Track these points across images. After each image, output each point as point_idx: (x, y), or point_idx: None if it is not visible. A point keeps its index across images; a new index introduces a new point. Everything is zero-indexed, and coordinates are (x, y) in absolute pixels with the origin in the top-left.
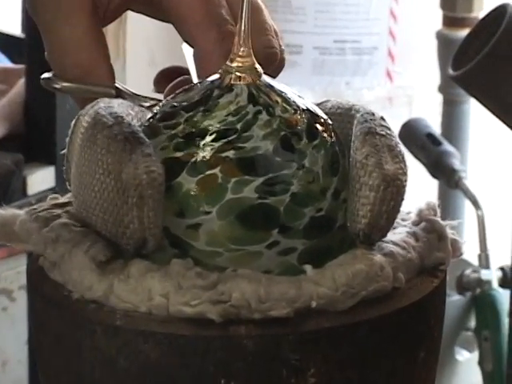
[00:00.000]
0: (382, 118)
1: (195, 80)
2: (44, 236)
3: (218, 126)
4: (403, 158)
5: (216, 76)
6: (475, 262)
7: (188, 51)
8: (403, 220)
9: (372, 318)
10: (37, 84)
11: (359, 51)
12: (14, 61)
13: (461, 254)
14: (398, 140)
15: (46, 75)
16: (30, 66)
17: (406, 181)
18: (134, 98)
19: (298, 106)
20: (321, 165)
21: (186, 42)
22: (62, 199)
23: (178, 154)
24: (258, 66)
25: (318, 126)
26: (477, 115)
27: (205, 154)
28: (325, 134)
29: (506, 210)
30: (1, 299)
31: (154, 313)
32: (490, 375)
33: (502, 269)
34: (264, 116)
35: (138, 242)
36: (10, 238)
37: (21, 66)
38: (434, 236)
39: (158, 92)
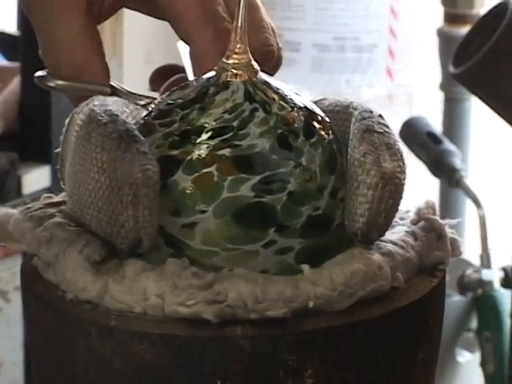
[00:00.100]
0: (381, 116)
1: (191, 78)
2: (38, 235)
3: (214, 123)
4: (402, 155)
5: (212, 73)
6: (476, 262)
7: (184, 49)
8: (402, 219)
9: (370, 318)
10: (32, 82)
11: (359, 49)
12: (9, 59)
13: (460, 254)
14: (396, 138)
15: (40, 73)
16: (25, 64)
17: (404, 179)
18: (130, 96)
19: (295, 104)
20: (318, 163)
21: (182, 39)
22: (57, 198)
23: (174, 152)
24: (254, 63)
25: (315, 123)
26: (478, 113)
27: (201, 152)
28: (322, 132)
29: (508, 209)
30: None
31: (149, 313)
32: (492, 377)
33: (503, 269)
34: (260, 113)
35: (133, 241)
36: (4, 238)
37: (16, 64)
38: (432, 235)
39: (154, 90)
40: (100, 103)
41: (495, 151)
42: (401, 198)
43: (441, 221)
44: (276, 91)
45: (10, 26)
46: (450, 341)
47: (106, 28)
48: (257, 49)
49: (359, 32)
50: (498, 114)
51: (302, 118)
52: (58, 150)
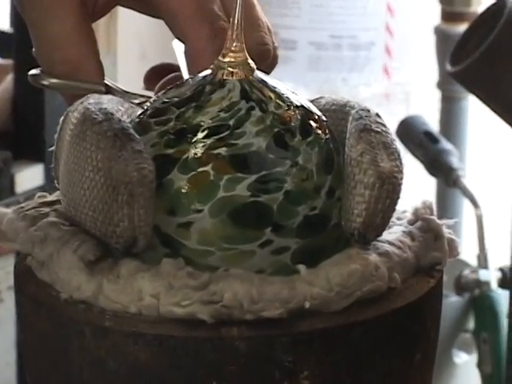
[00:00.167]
0: (378, 115)
1: (186, 77)
2: (31, 235)
3: (210, 122)
4: (399, 155)
5: (208, 71)
6: (474, 262)
7: (179, 48)
8: (399, 219)
9: (367, 318)
10: (25, 80)
11: (356, 47)
12: (2, 56)
13: (458, 254)
14: (393, 137)
15: (33, 71)
16: (19, 62)
17: (401, 179)
18: (124, 94)
19: (292, 102)
20: (315, 162)
21: (177, 38)
22: (51, 197)
23: (169, 151)
24: (250, 61)
25: (312, 122)
26: (476, 112)
27: (196, 150)
28: (319, 131)
29: (505, 208)
30: None
31: (144, 313)
32: (489, 378)
33: (501, 269)
34: (257, 112)
35: (128, 240)
36: None
37: (9, 62)
38: (430, 235)
39: (148, 89)
40: (95, 101)
41: (493, 150)
42: (398, 197)
43: (438, 221)
44: (272, 90)
45: (3, 23)
46: (447, 341)
47: (100, 25)
48: (252, 48)
49: (356, 30)
50: (496, 112)
51: (299, 116)
52: (52, 148)
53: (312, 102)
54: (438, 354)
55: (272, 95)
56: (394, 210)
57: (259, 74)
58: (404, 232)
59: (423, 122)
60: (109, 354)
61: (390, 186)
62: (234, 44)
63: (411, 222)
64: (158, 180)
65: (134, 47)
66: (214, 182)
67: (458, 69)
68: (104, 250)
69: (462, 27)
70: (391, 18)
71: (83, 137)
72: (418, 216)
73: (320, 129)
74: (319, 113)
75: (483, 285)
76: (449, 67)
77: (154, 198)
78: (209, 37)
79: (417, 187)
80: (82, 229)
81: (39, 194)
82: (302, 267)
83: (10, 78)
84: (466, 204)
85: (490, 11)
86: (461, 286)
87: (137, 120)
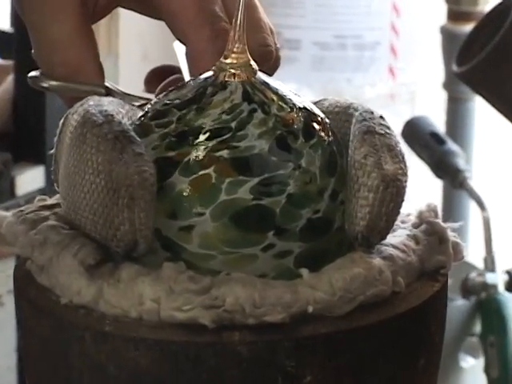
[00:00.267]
0: (381, 117)
1: (187, 79)
2: (31, 239)
3: (212, 124)
4: (403, 157)
5: (210, 73)
6: (480, 265)
7: (180, 49)
8: (403, 222)
9: (370, 323)
10: (26, 81)
11: (360, 47)
12: (2, 57)
13: (462, 258)
14: (397, 139)
15: (33, 73)
16: (19, 62)
17: (406, 181)
18: (125, 97)
19: (295, 104)
20: (318, 165)
21: (179, 39)
22: (50, 201)
23: (171, 154)
24: (253, 62)
25: (315, 124)
26: (482, 113)
27: (198, 153)
28: (322, 133)
29: None
30: None
31: (145, 318)
32: (496, 382)
33: (508, 272)
34: (259, 114)
35: (129, 244)
36: None
37: (9, 62)
38: (434, 239)
39: (149, 92)
40: (95, 103)
41: (500, 152)
42: (402, 200)
43: (443, 224)
44: (275, 91)
45: (4, 23)
46: (454, 346)
47: (101, 26)
48: (255, 49)
49: (361, 29)
50: (502, 113)
51: (302, 118)
52: (52, 151)
53: (315, 103)
54: (444, 359)
55: (274, 97)
56: (398, 213)
57: (261, 76)
58: (408, 235)
59: (429, 122)
60: (109, 359)
61: (394, 189)
62: (236, 45)
63: (416, 226)
64: (159, 183)
65: (135, 48)
66: (216, 184)
67: (464, 69)
68: (104, 253)
69: (468, 27)
70: (396, 17)
71: (83, 139)
72: (422, 219)
73: (323, 131)
74: (322, 115)
75: (490, 288)
76: (455, 67)
77: (155, 201)
78: (210, 38)
79: (423, 189)
80: (82, 232)
81: (39, 197)
82: (304, 271)
83: (10, 79)
84: (472, 206)
85: (497, 11)
86: (467, 289)
87: (137, 122)
